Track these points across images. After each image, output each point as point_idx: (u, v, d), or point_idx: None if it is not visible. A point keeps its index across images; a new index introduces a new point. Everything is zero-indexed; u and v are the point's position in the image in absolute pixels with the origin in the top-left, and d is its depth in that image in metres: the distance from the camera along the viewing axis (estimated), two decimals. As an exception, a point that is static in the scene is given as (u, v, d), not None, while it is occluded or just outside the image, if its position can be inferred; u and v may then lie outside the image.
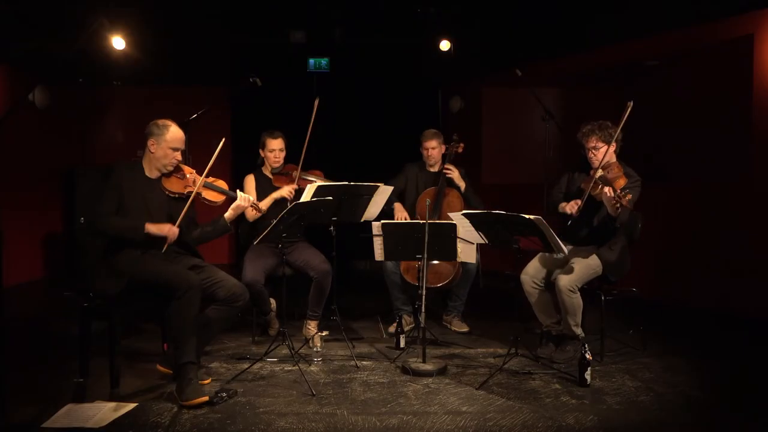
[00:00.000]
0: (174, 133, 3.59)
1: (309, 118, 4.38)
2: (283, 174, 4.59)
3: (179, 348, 3.37)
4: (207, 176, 3.68)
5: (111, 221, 3.50)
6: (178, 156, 3.62)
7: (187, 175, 3.68)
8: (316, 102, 4.44)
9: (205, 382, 3.60)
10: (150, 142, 3.58)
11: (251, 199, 3.76)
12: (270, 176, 4.60)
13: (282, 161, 4.59)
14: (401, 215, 4.68)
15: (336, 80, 7.35)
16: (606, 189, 3.78)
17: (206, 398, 3.25)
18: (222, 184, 3.75)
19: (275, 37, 6.93)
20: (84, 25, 3.81)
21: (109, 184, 3.54)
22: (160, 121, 3.61)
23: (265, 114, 7.26)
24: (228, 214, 3.73)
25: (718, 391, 3.55)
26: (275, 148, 4.53)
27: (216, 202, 3.69)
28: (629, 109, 3.81)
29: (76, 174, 7.15)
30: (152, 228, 3.51)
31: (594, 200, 3.94)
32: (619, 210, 3.79)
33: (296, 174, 4.51)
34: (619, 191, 3.69)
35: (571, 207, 4.01)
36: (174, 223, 3.56)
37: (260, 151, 4.61)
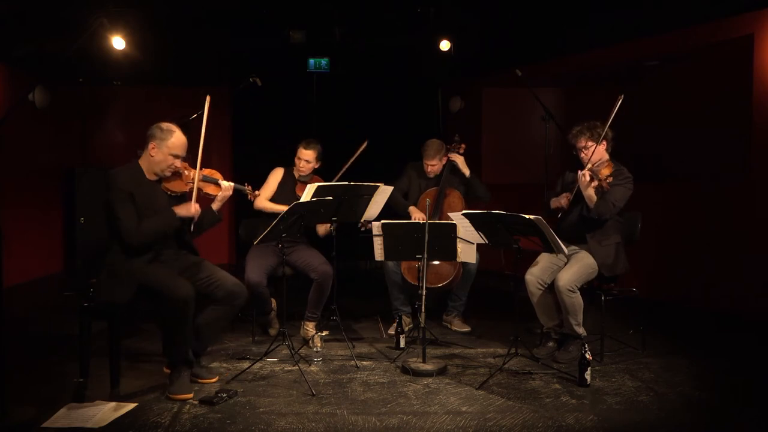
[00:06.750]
0: (177, 139, 3.50)
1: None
2: (308, 183, 4.57)
3: (172, 351, 3.40)
4: (200, 169, 3.64)
5: (144, 230, 3.39)
6: (178, 163, 3.53)
7: (185, 172, 3.62)
8: (364, 144, 4.51)
9: (213, 380, 3.62)
10: (151, 145, 3.48)
11: (233, 185, 3.73)
12: (297, 180, 4.62)
13: (308, 172, 4.60)
14: (418, 216, 4.64)
15: (336, 80, 7.36)
16: (584, 171, 3.84)
17: (191, 395, 3.28)
18: (216, 174, 3.74)
19: (275, 37, 6.92)
20: (84, 25, 3.81)
21: (120, 197, 3.37)
22: (165, 125, 3.52)
23: (265, 114, 7.27)
24: (215, 205, 3.70)
25: (718, 391, 3.55)
26: (302, 158, 4.56)
27: (216, 195, 3.69)
28: (619, 102, 3.84)
29: (76, 174, 7.15)
30: (181, 210, 3.50)
31: (581, 195, 3.97)
32: (595, 190, 3.83)
33: None
34: (602, 178, 3.76)
35: (560, 199, 4.09)
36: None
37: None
